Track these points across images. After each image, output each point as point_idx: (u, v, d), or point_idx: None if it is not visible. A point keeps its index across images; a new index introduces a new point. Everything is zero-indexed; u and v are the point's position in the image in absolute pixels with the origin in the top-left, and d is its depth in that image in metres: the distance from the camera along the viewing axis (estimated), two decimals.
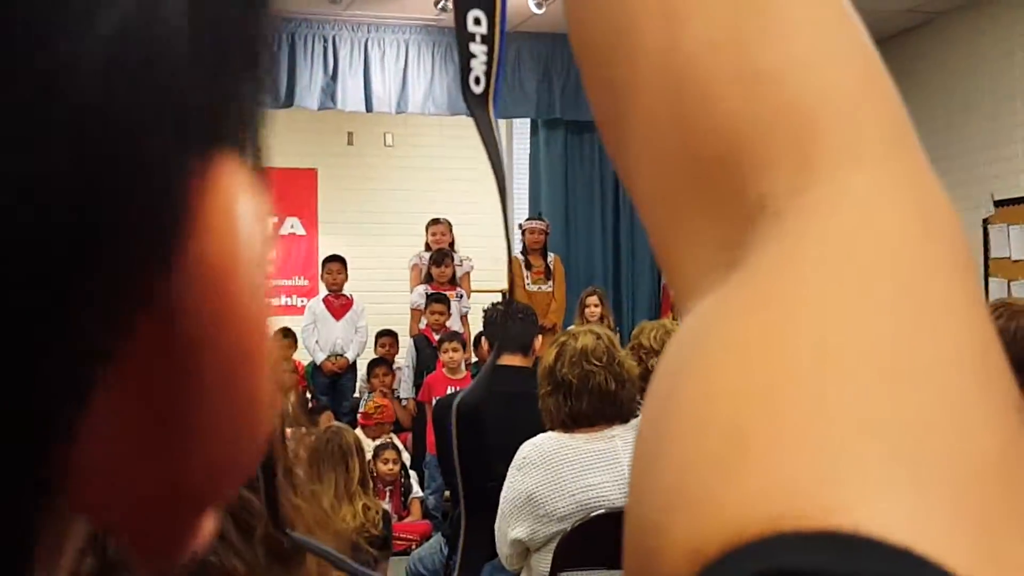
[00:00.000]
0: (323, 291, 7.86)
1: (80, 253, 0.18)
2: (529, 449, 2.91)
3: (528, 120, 9.00)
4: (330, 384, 7.63)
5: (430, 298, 7.36)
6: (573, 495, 2.82)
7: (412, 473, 6.49)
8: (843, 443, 0.24)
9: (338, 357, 7.61)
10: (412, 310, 7.69)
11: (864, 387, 0.25)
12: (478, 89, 0.47)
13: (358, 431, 5.48)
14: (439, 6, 7.64)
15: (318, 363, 7.57)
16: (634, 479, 0.29)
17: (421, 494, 6.37)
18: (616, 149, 0.36)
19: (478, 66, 0.47)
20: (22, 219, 0.17)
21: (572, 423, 2.93)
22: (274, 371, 0.24)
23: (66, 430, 0.19)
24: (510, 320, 4.20)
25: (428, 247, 7.89)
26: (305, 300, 8.53)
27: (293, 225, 9.35)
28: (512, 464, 2.91)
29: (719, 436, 0.26)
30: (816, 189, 0.29)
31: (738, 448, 0.25)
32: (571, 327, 4.81)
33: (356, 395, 7.63)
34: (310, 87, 7.97)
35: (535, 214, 8.40)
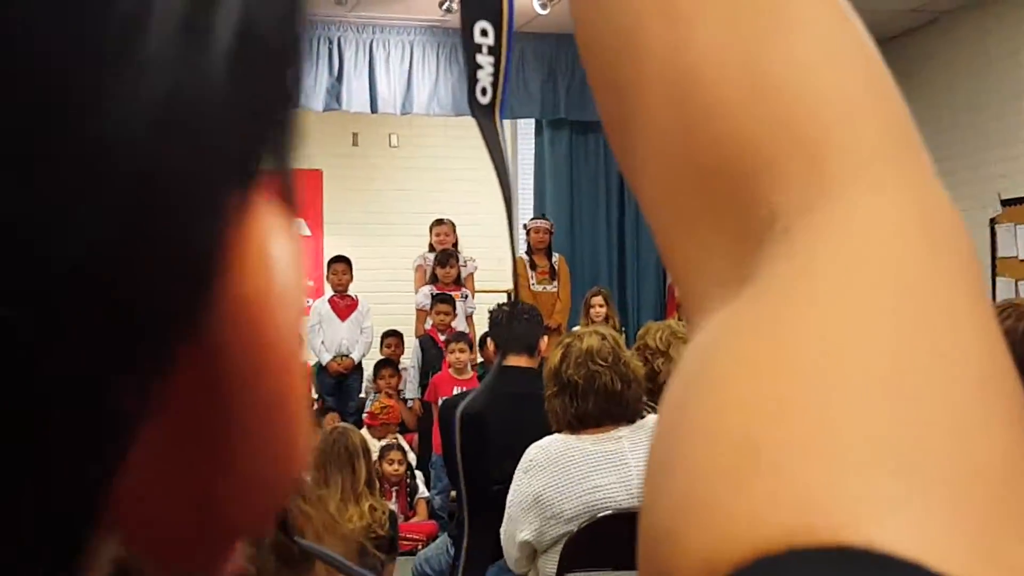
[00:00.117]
0: (328, 292, 7.87)
1: (128, 298, 0.19)
2: (536, 452, 2.91)
3: (532, 120, 9.00)
4: (335, 385, 7.63)
5: (435, 299, 7.36)
6: (580, 496, 2.82)
7: (418, 473, 6.49)
8: (852, 458, 0.25)
9: (343, 358, 7.62)
10: (417, 311, 7.69)
11: (872, 404, 0.26)
12: (484, 100, 0.48)
13: (364, 431, 5.48)
14: (444, 7, 7.65)
15: (323, 364, 7.58)
16: (648, 488, 0.29)
17: (427, 494, 6.37)
18: (622, 151, 0.36)
19: (485, 77, 0.47)
20: (73, 269, 0.18)
21: (578, 424, 2.93)
22: (308, 403, 0.24)
23: (114, 461, 0.20)
24: (515, 321, 4.21)
25: (432, 248, 7.89)
26: (310, 301, 8.55)
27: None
28: (518, 467, 2.91)
29: (731, 448, 0.26)
30: (825, 206, 0.29)
31: (749, 460, 0.25)
32: (576, 328, 4.81)
33: (362, 395, 7.64)
34: (315, 88, 7.98)
35: (539, 214, 8.40)
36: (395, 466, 6.08)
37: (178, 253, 0.20)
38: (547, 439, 2.95)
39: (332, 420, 5.63)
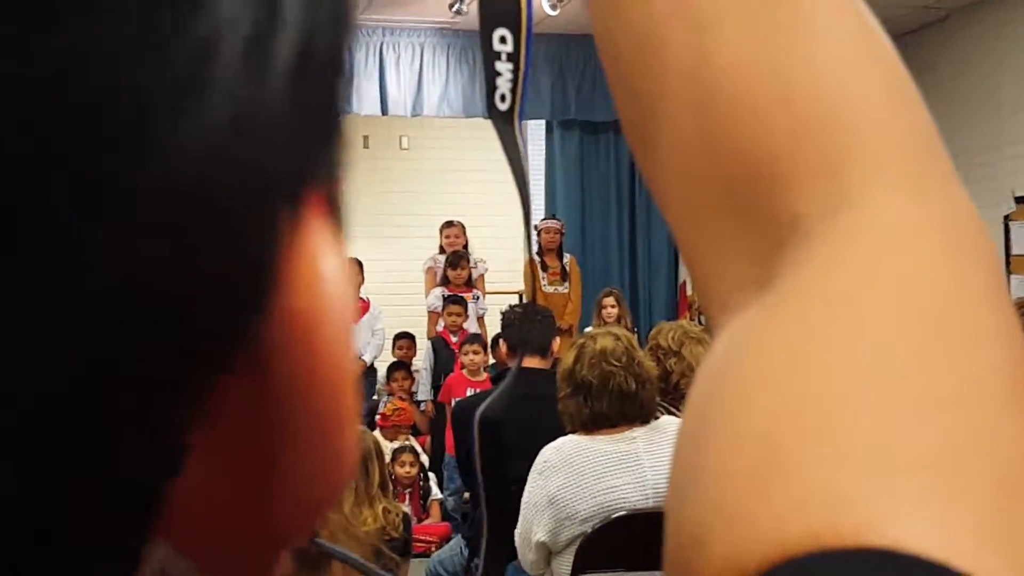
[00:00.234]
0: None
1: (185, 312, 0.19)
2: (550, 453, 2.91)
3: (543, 121, 9.00)
4: None
5: (447, 300, 7.36)
6: (594, 497, 2.82)
7: (431, 475, 6.49)
8: (877, 460, 0.25)
9: (357, 360, 7.62)
10: (429, 312, 7.69)
11: (895, 407, 0.26)
12: (504, 106, 0.48)
13: (376, 433, 5.49)
14: (454, 9, 7.65)
15: None
16: (672, 491, 0.29)
17: (440, 496, 6.37)
18: (643, 157, 0.36)
19: (503, 84, 0.48)
20: (135, 286, 0.18)
21: (593, 424, 2.92)
22: (357, 415, 0.25)
23: (168, 471, 0.20)
24: (528, 322, 4.21)
25: (442, 250, 7.90)
26: None
27: None
28: (533, 468, 2.91)
29: (755, 452, 0.26)
30: (847, 211, 0.30)
31: (774, 464, 0.26)
32: (589, 328, 4.81)
33: (375, 398, 7.64)
34: None
35: (550, 215, 8.40)
36: (407, 468, 6.09)
37: (234, 269, 0.20)
38: (561, 440, 2.95)
39: None
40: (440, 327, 7.42)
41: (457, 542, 4.78)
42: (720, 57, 0.32)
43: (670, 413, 3.21)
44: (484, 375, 6.42)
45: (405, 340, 7.98)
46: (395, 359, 7.77)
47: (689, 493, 0.28)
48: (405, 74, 8.41)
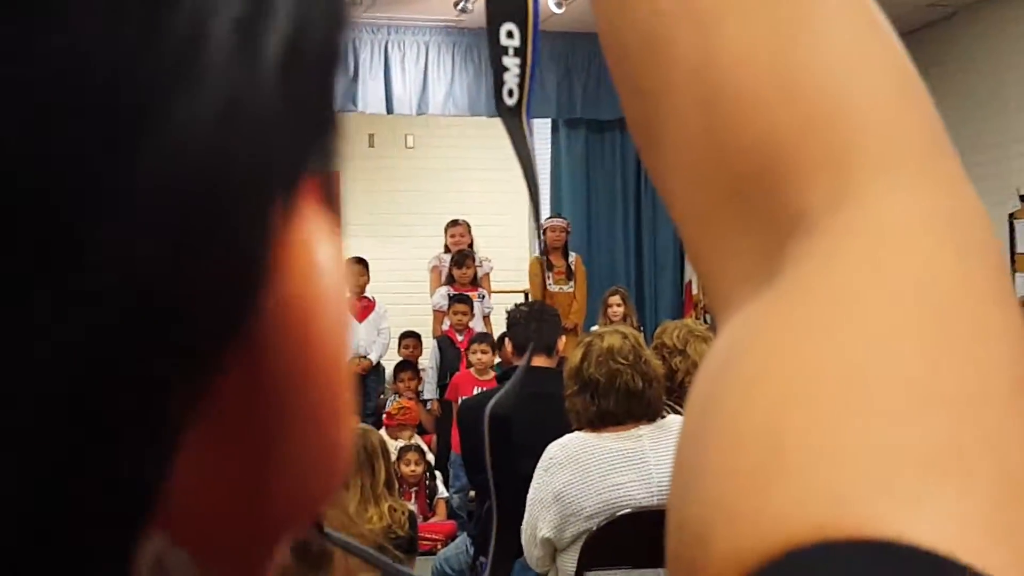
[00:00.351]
0: None
1: (179, 302, 0.19)
2: (556, 449, 2.91)
3: (548, 120, 9.00)
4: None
5: (453, 299, 7.37)
6: (600, 494, 2.83)
7: (438, 474, 6.49)
8: (880, 454, 0.25)
9: (361, 359, 7.63)
10: (435, 311, 7.70)
11: (898, 401, 0.26)
12: (511, 101, 0.48)
13: (382, 431, 5.49)
14: (459, 7, 7.65)
15: None
16: (676, 487, 0.29)
17: (446, 494, 6.38)
18: (649, 154, 0.36)
19: (511, 79, 0.47)
20: (130, 277, 0.18)
21: (600, 422, 2.93)
22: (352, 405, 0.25)
23: (165, 462, 0.20)
24: (535, 321, 4.21)
25: (447, 249, 7.90)
26: None
27: None
28: (539, 465, 2.91)
29: (758, 447, 0.26)
30: (852, 207, 0.30)
31: (777, 458, 0.26)
32: (595, 327, 4.80)
33: (382, 396, 7.65)
34: None
35: (555, 214, 8.40)
36: (412, 467, 6.09)
37: (228, 258, 0.20)
38: (567, 437, 2.95)
39: None
40: (446, 326, 7.42)
41: (463, 540, 4.79)
42: (725, 54, 0.32)
43: (675, 412, 3.21)
44: (491, 374, 6.42)
45: (411, 339, 7.99)
46: (401, 358, 7.78)
47: (691, 490, 0.28)
48: (410, 72, 8.41)
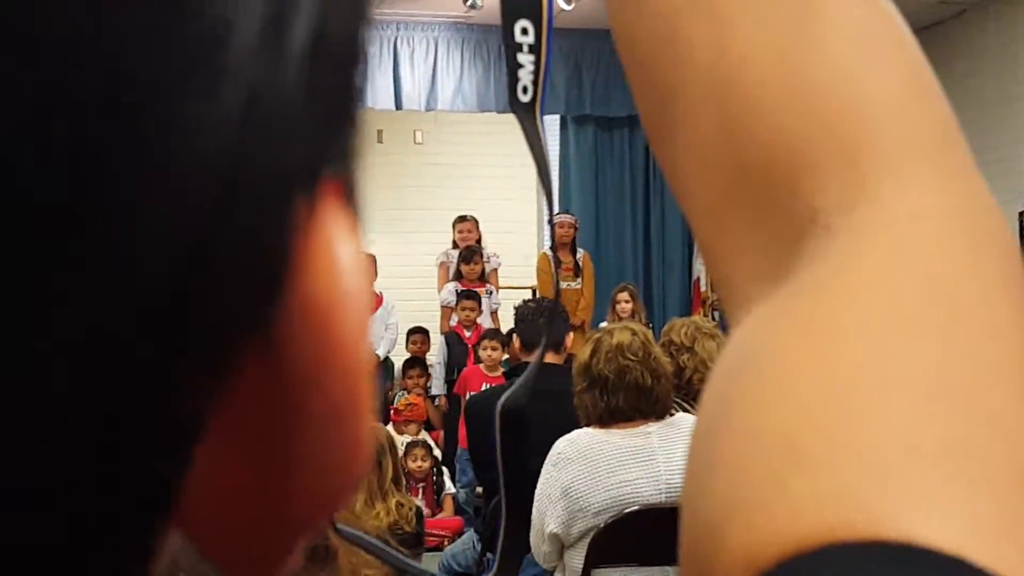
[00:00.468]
0: None
1: (200, 300, 0.19)
2: (564, 445, 2.91)
3: (557, 116, 8.99)
4: None
5: (461, 295, 7.37)
6: (608, 490, 2.82)
7: (445, 470, 6.50)
8: (892, 455, 0.25)
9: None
10: (442, 307, 7.70)
11: (911, 402, 0.26)
12: (525, 98, 0.48)
13: (389, 427, 5.50)
14: (468, 3, 7.64)
15: None
16: (689, 484, 0.29)
17: (454, 490, 6.38)
18: (661, 150, 0.36)
19: (525, 75, 0.48)
20: (152, 275, 0.18)
21: (609, 418, 2.93)
22: (373, 404, 0.25)
23: (183, 460, 0.20)
24: (543, 317, 4.21)
25: (455, 244, 7.90)
26: None
27: None
28: (547, 460, 2.91)
29: (771, 446, 0.26)
30: (865, 206, 0.30)
31: (790, 458, 0.26)
32: (603, 323, 4.80)
33: (391, 392, 7.65)
34: None
35: (564, 211, 8.39)
36: (418, 463, 6.09)
37: (250, 256, 0.20)
38: (576, 432, 2.95)
39: None
40: (453, 322, 7.42)
41: (470, 536, 4.78)
42: (737, 50, 0.32)
43: (683, 409, 3.21)
44: (500, 370, 6.42)
45: (419, 335, 7.99)
46: (409, 354, 7.78)
47: (705, 486, 0.28)
48: (419, 68, 8.41)
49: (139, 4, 0.18)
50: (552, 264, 7.70)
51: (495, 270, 7.89)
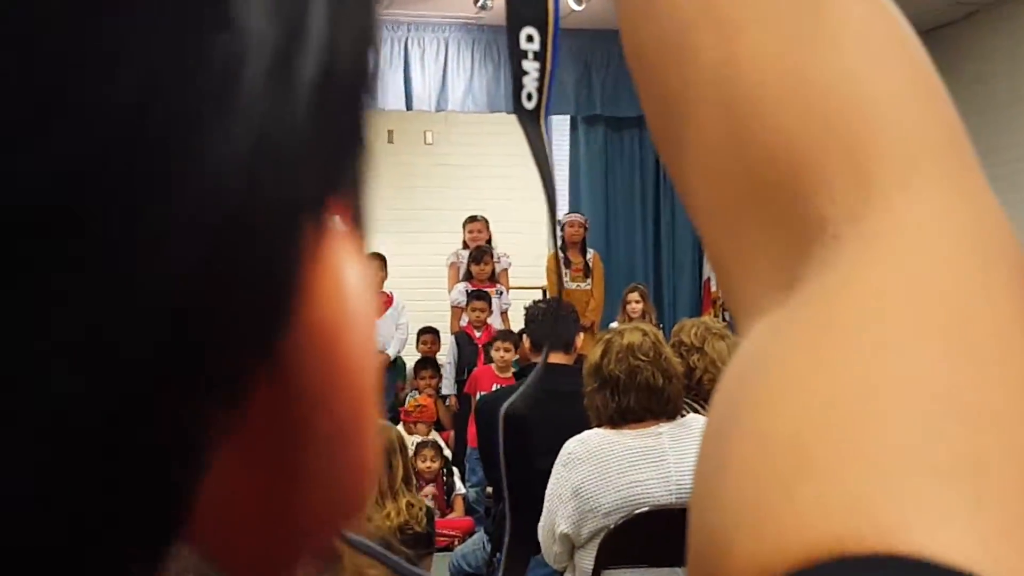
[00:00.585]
0: None
1: (211, 325, 0.20)
2: (575, 445, 2.91)
3: (567, 117, 8.98)
4: None
5: (471, 295, 7.37)
6: (618, 491, 2.82)
7: (455, 470, 6.50)
8: (901, 466, 0.25)
9: (379, 354, 7.62)
10: (453, 307, 7.70)
11: (921, 413, 0.26)
12: (530, 105, 0.48)
13: (399, 427, 5.49)
14: (478, 4, 7.64)
15: None
16: (698, 491, 0.29)
17: (464, 491, 6.38)
18: (671, 158, 0.36)
19: (530, 82, 0.48)
20: (162, 301, 0.19)
21: (620, 419, 2.92)
22: (378, 423, 0.25)
23: (194, 477, 0.21)
24: (554, 318, 4.20)
25: (466, 245, 7.90)
26: None
27: None
28: (557, 460, 2.91)
29: (780, 454, 0.26)
30: (874, 214, 0.30)
31: (799, 466, 0.26)
32: (614, 324, 4.79)
33: (402, 393, 7.66)
34: None
35: (574, 211, 8.38)
36: (427, 463, 6.09)
37: (258, 282, 0.20)
38: (587, 433, 2.95)
39: None
40: (464, 322, 7.42)
41: (480, 536, 4.78)
42: (746, 60, 0.32)
43: (693, 410, 3.21)
44: (511, 371, 6.42)
45: (429, 335, 7.99)
46: (420, 354, 7.78)
47: (714, 493, 0.28)
48: (430, 69, 8.41)
49: (156, 46, 0.18)
50: (556, 265, 7.68)
51: (505, 270, 7.89)
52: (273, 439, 0.22)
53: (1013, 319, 0.28)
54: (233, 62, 0.19)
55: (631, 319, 6.70)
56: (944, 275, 0.28)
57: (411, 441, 5.86)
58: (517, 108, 0.48)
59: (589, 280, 7.79)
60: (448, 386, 7.29)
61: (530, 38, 0.47)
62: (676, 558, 2.71)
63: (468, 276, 7.65)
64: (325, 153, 0.22)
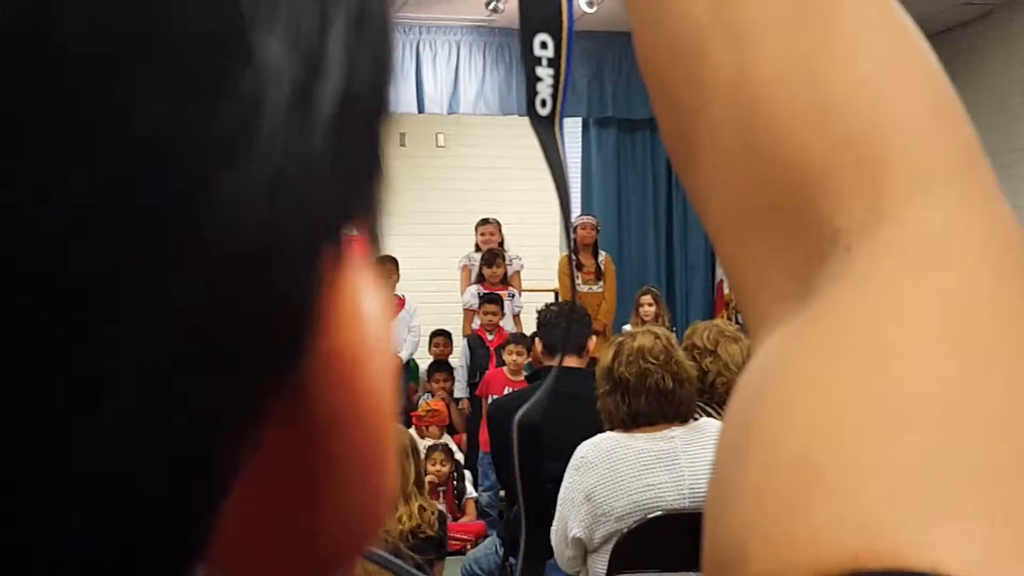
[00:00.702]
0: None
1: (230, 353, 0.20)
2: (588, 448, 2.91)
3: (579, 119, 8.99)
4: None
5: (483, 298, 7.39)
6: (631, 495, 2.82)
7: (467, 473, 6.50)
8: (915, 482, 0.25)
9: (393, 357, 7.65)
10: (465, 310, 7.72)
11: (934, 429, 0.26)
12: (544, 111, 0.48)
13: (411, 430, 5.51)
14: (490, 7, 7.66)
15: None
16: (711, 507, 0.29)
17: (475, 494, 6.39)
18: (683, 167, 0.36)
19: (544, 89, 0.48)
20: (189, 339, 0.20)
21: (631, 422, 2.93)
22: (396, 449, 0.26)
23: (214, 502, 0.21)
24: (566, 321, 4.21)
25: (478, 248, 7.92)
26: None
27: None
28: (570, 464, 2.91)
29: (793, 470, 0.26)
30: (887, 226, 0.30)
31: (812, 483, 0.25)
32: (626, 327, 4.80)
33: (415, 395, 7.69)
34: None
35: (586, 213, 8.39)
36: (437, 467, 6.09)
37: (277, 311, 0.21)
38: (599, 436, 2.95)
39: None
40: (476, 325, 7.44)
41: (492, 541, 4.79)
42: (760, 71, 0.32)
43: (707, 413, 3.20)
44: (523, 374, 6.44)
45: (441, 337, 8.01)
46: (432, 356, 7.80)
47: (728, 508, 0.28)
48: (441, 72, 8.44)
49: (182, 84, 0.19)
50: (567, 267, 7.71)
51: (517, 272, 7.91)
52: (292, 464, 0.23)
53: None
54: (254, 97, 0.20)
55: (644, 322, 6.70)
56: (957, 289, 0.28)
57: (423, 445, 5.88)
58: (531, 115, 0.48)
59: (601, 283, 7.80)
60: (460, 389, 7.31)
61: (544, 45, 0.47)
62: (689, 562, 2.71)
63: (480, 279, 7.67)
64: (343, 180, 0.22)
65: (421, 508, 3.79)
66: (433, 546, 3.85)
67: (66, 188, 0.18)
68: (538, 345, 4.70)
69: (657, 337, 3.04)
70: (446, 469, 6.18)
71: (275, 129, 0.20)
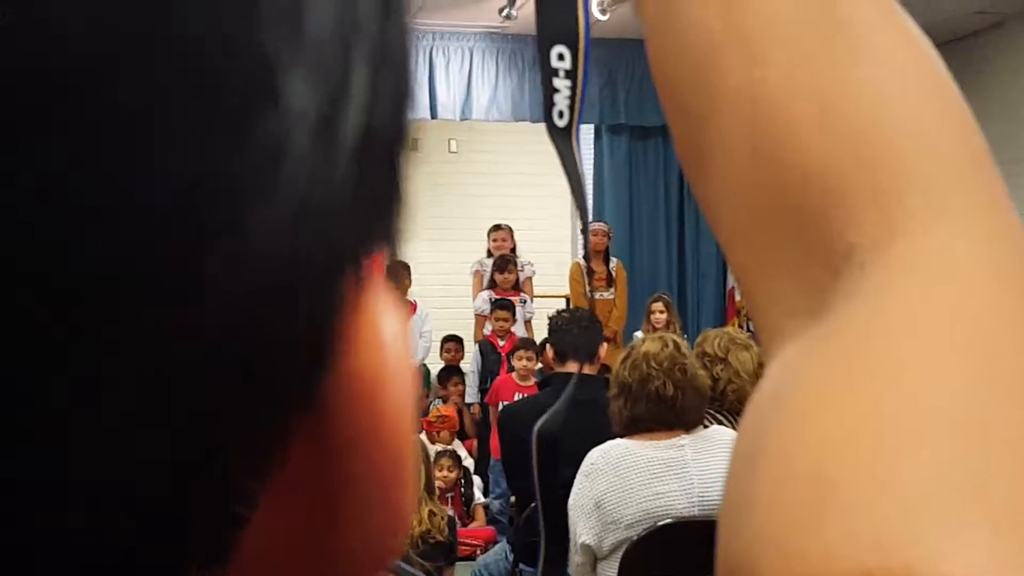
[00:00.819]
0: None
1: (253, 376, 0.21)
2: (597, 455, 2.90)
3: (592, 126, 8.98)
4: None
5: (495, 304, 7.38)
6: (640, 503, 2.81)
7: (476, 479, 6.49)
8: (927, 497, 0.25)
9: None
10: (477, 316, 7.71)
11: (946, 444, 0.26)
12: (561, 123, 0.48)
13: (422, 435, 5.50)
14: (503, 13, 7.66)
15: None
16: (724, 521, 0.29)
17: (483, 500, 6.37)
18: (695, 178, 0.36)
19: (561, 100, 0.48)
20: (206, 355, 0.20)
21: (632, 427, 2.92)
22: (416, 469, 0.26)
23: (237, 522, 0.21)
24: (576, 328, 4.21)
25: (490, 253, 7.91)
26: None
27: None
28: (580, 471, 2.90)
29: (805, 486, 0.26)
30: (900, 242, 0.30)
31: (824, 498, 0.26)
32: (638, 333, 4.78)
33: (427, 400, 7.68)
34: None
35: (598, 220, 8.37)
36: (444, 473, 6.08)
37: (300, 334, 0.21)
38: (609, 443, 2.94)
39: None
40: (487, 330, 7.43)
41: (502, 547, 4.78)
42: (772, 83, 0.32)
43: (717, 421, 3.19)
44: (532, 380, 6.42)
45: (453, 343, 8.00)
46: (443, 362, 7.79)
47: (741, 522, 0.28)
48: (454, 78, 8.44)
49: (209, 122, 0.19)
50: (579, 274, 7.69)
51: (529, 278, 7.89)
52: (312, 485, 0.23)
53: None
54: (279, 136, 0.20)
55: (655, 329, 6.68)
56: (970, 305, 0.28)
57: (432, 450, 5.86)
58: (549, 125, 0.48)
59: (612, 289, 7.78)
60: (471, 395, 7.30)
61: (561, 56, 0.47)
62: (699, 571, 2.70)
63: (492, 284, 7.66)
64: (364, 208, 0.23)
65: (431, 513, 3.78)
66: (443, 551, 3.84)
67: (66, 188, 0.18)
68: (549, 351, 4.69)
69: (665, 344, 3.02)
70: (453, 475, 6.17)
71: (299, 164, 0.20)
